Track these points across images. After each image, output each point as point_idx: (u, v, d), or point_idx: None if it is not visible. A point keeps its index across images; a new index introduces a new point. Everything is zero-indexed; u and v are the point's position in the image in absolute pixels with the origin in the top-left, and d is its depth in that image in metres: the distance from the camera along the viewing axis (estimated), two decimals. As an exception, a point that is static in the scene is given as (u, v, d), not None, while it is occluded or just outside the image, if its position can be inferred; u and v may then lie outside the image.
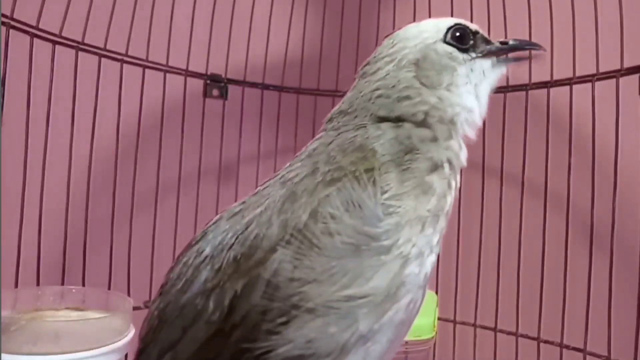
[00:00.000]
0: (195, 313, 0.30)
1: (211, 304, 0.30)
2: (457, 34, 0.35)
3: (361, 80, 0.36)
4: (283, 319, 0.28)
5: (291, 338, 0.28)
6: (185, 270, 0.32)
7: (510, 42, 0.37)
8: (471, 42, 0.35)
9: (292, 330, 0.28)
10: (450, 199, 0.33)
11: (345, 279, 0.28)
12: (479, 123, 0.36)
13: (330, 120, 0.37)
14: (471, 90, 0.35)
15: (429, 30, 0.35)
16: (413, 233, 0.30)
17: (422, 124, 0.34)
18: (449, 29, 0.35)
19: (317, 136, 0.36)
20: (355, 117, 0.35)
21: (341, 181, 0.29)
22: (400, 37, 0.35)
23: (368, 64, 0.36)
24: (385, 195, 0.30)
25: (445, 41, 0.35)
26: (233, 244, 0.30)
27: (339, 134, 0.34)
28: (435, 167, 0.32)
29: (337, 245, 0.28)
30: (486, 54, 0.36)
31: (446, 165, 0.33)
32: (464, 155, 0.35)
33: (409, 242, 0.30)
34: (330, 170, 0.30)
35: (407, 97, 0.34)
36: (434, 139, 0.33)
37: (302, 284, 0.28)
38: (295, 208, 0.29)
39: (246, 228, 0.30)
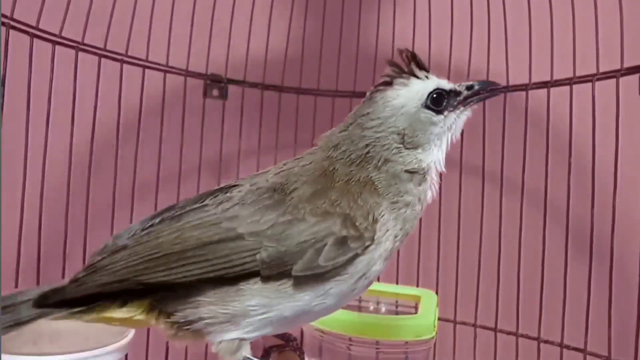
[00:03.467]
0: None
1: None
2: (435, 97, 0.40)
3: (356, 129, 0.41)
4: None
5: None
6: None
7: (475, 87, 0.42)
8: (445, 102, 0.41)
9: None
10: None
11: None
12: (443, 168, 0.42)
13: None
14: (441, 146, 0.42)
15: (413, 98, 0.40)
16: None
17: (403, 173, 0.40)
18: (429, 94, 0.40)
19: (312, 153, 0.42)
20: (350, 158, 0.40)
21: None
22: (389, 100, 0.40)
23: (363, 115, 0.41)
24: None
25: (425, 106, 0.40)
26: None
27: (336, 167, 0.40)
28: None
29: None
30: (456, 107, 0.42)
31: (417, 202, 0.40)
32: (430, 195, 0.41)
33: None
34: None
35: (392, 160, 0.40)
36: (412, 183, 0.40)
37: None
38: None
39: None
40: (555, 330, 0.62)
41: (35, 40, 0.54)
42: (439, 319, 0.64)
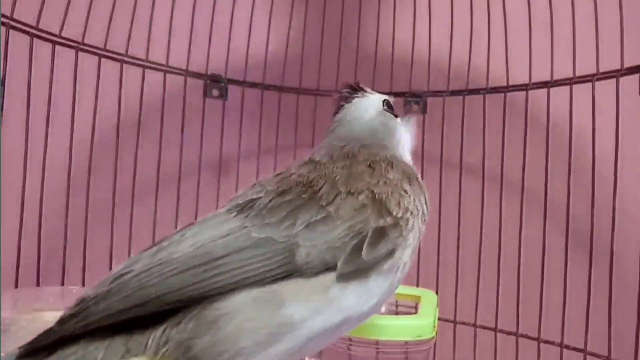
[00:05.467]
0: None
1: None
2: (388, 103, 0.46)
3: (335, 135, 0.44)
4: None
5: None
6: None
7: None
8: (393, 109, 0.47)
9: None
10: None
11: None
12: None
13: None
14: (405, 144, 0.46)
15: (373, 105, 0.45)
16: None
17: None
18: (383, 101, 0.46)
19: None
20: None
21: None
22: (356, 107, 0.45)
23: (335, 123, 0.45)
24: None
25: (383, 110, 0.45)
26: None
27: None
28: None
29: None
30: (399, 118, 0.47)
31: None
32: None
33: None
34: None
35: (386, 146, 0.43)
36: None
37: None
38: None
39: None
40: (555, 330, 0.62)
41: (35, 40, 0.54)
42: (439, 319, 0.64)
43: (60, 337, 0.30)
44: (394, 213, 0.34)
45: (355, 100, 0.45)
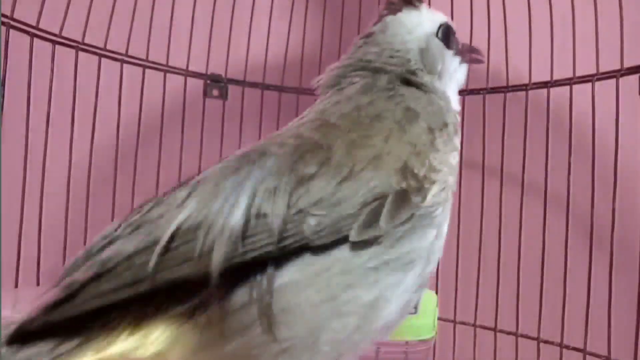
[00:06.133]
0: None
1: None
2: (445, 31, 0.39)
3: (368, 50, 0.37)
4: None
5: None
6: None
7: (466, 46, 0.42)
8: (451, 41, 0.40)
9: None
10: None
11: None
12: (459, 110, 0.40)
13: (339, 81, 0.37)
14: (451, 83, 0.40)
15: (427, 22, 0.38)
16: None
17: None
18: (440, 25, 0.39)
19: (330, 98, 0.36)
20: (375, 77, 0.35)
21: None
22: (402, 21, 0.38)
23: (372, 34, 0.38)
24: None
25: (437, 36, 0.38)
26: None
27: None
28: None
29: None
30: (457, 53, 0.40)
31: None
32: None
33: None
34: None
35: (419, 82, 0.36)
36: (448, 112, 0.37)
37: None
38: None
39: None
40: (555, 330, 0.62)
41: (35, 40, 0.54)
42: (439, 319, 0.64)
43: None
44: (418, 172, 0.29)
45: (402, 14, 0.37)
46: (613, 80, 0.56)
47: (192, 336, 0.26)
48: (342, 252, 0.27)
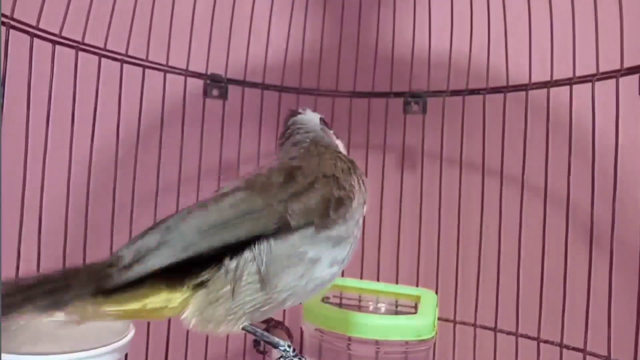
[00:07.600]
0: None
1: None
2: (323, 120, 0.58)
3: (292, 138, 0.57)
4: None
5: None
6: None
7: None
8: (327, 124, 0.59)
9: None
10: None
11: None
12: None
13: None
14: (338, 143, 0.59)
15: (314, 117, 0.58)
16: None
17: None
18: (320, 118, 0.58)
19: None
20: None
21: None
22: (302, 118, 0.58)
23: (292, 134, 0.57)
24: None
25: (320, 122, 0.58)
26: None
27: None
28: None
29: None
30: (332, 130, 0.60)
31: None
32: None
33: None
34: None
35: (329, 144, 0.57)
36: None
37: None
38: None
39: None
40: (555, 330, 0.62)
41: (35, 40, 0.54)
42: (439, 319, 0.65)
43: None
44: (346, 188, 0.47)
45: (300, 115, 0.58)
46: (613, 81, 0.57)
47: (203, 297, 0.40)
48: (309, 231, 0.43)
